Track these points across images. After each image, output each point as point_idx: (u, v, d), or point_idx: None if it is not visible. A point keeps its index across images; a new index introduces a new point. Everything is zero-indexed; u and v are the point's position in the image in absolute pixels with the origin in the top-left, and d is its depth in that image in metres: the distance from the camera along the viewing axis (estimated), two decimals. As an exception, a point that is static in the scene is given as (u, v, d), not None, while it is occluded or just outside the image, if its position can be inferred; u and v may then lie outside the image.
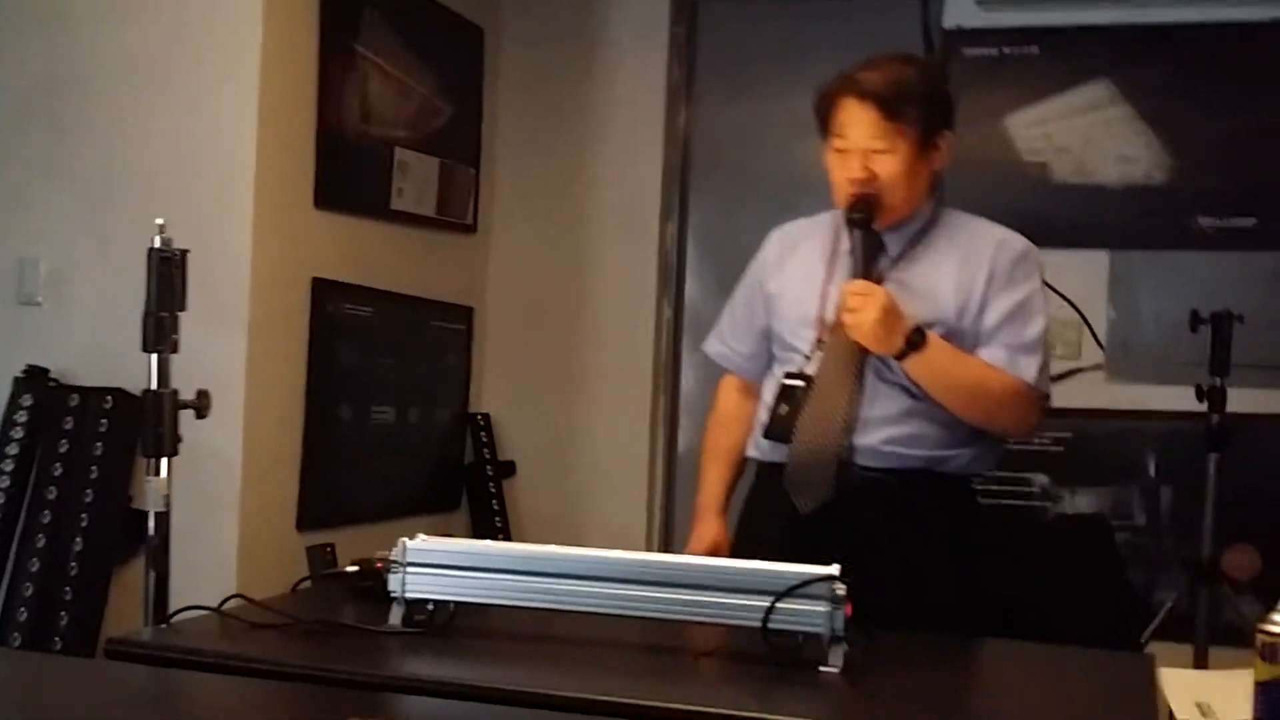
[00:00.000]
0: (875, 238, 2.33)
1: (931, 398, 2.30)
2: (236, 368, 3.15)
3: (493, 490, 4.15)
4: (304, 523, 3.38)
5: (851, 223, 2.32)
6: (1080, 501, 3.83)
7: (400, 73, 3.70)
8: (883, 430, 2.32)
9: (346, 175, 3.49)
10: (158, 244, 2.08)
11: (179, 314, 2.09)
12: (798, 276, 2.46)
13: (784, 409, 2.35)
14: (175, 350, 2.09)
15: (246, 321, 3.16)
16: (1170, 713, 1.68)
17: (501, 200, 4.25)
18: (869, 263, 2.32)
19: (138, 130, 3.22)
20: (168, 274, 2.08)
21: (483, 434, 4.18)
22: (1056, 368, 3.85)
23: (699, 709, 1.54)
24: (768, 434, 2.38)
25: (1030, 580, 3.11)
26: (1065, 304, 3.84)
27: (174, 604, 2.00)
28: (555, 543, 1.92)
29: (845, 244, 2.39)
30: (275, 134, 3.22)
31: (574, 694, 1.59)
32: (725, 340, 2.63)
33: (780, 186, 3.88)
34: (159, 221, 2.09)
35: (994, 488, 3.86)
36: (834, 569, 1.78)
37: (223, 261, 3.11)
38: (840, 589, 1.75)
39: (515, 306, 4.26)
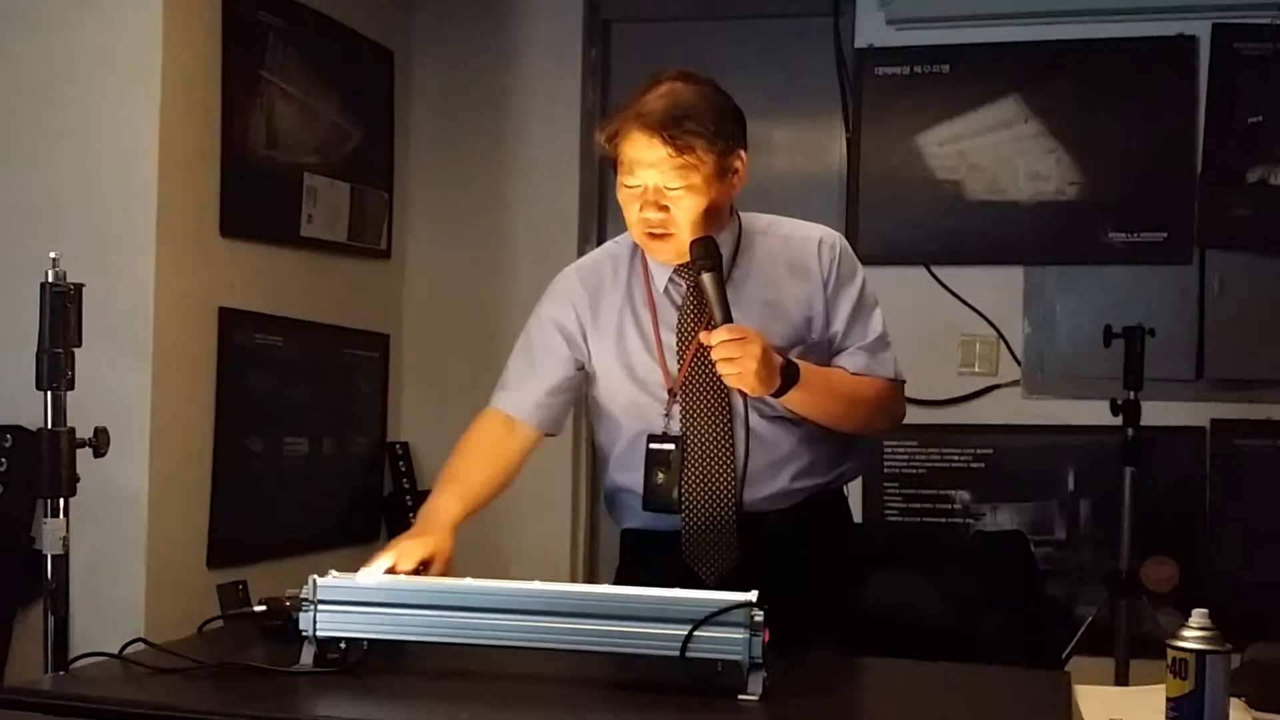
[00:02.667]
0: (723, 278, 2.13)
1: (814, 422, 2.22)
2: (140, 402, 3.07)
3: (413, 519, 4.06)
4: (215, 560, 3.30)
5: (699, 267, 2.12)
6: (1001, 517, 3.85)
7: (307, 97, 3.64)
8: (787, 468, 2.23)
9: (253, 202, 3.42)
10: (51, 278, 2.00)
11: (75, 349, 2.03)
12: (622, 328, 2.28)
13: (660, 477, 2.19)
14: (71, 387, 2.02)
15: (150, 353, 3.08)
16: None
17: (416, 225, 4.20)
18: (726, 304, 2.10)
19: (34, 158, 3.13)
20: (61, 308, 2.01)
21: (401, 463, 4.12)
22: (974, 385, 3.92)
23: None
24: (648, 506, 2.21)
25: (952, 599, 3.10)
26: (982, 320, 3.91)
27: (80, 648, 1.92)
28: (478, 572, 1.87)
29: (656, 283, 2.26)
30: (177, 160, 3.14)
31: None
32: (511, 386, 2.33)
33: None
34: (52, 255, 2.02)
35: (915, 505, 3.89)
36: (751, 595, 1.75)
37: (125, 292, 3.03)
38: (758, 616, 1.73)
39: (432, 332, 4.20)
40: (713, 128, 2.14)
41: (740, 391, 2.13)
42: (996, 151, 3.88)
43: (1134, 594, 3.55)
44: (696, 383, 2.20)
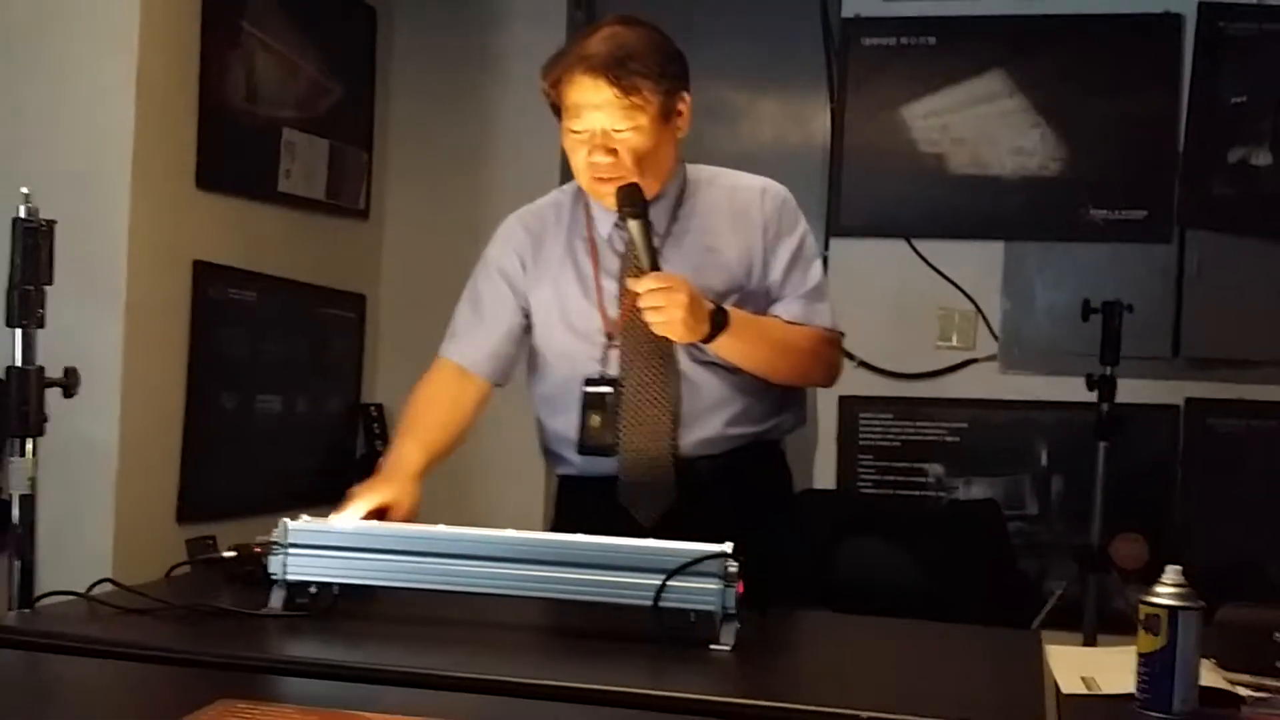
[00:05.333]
0: (650, 224, 2.13)
1: (746, 370, 2.21)
2: (112, 351, 3.03)
3: (384, 481, 4.05)
4: (184, 515, 3.27)
5: (626, 215, 2.12)
6: (974, 491, 3.86)
7: (288, 50, 3.60)
8: (719, 414, 2.22)
9: (230, 155, 3.38)
10: (23, 213, 1.97)
11: (46, 287, 1.99)
12: (561, 274, 2.27)
13: (596, 419, 2.18)
14: (41, 325, 1.98)
15: (123, 303, 3.04)
16: (1056, 686, 1.67)
17: (395, 184, 4.17)
18: (653, 252, 2.10)
19: (9, 104, 3.08)
20: (33, 245, 1.97)
21: (375, 425, 4.09)
22: (952, 358, 3.92)
23: (588, 686, 1.49)
24: (584, 449, 2.20)
25: (923, 566, 3.11)
26: (961, 294, 3.91)
27: (45, 597, 1.90)
28: (453, 533, 1.84)
29: (600, 230, 2.26)
30: (155, 110, 3.10)
31: (460, 674, 1.53)
32: (461, 337, 2.33)
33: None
34: (24, 190, 1.98)
35: (889, 478, 3.89)
36: (726, 546, 1.74)
37: (98, 241, 3.00)
38: (733, 566, 1.72)
39: (409, 293, 4.17)
40: (657, 68, 2.15)
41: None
42: (980, 125, 3.88)
43: (1104, 570, 3.56)
44: (636, 328, 2.17)
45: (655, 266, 2.09)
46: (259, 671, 1.57)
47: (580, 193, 2.29)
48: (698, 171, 2.31)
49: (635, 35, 2.16)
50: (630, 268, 2.20)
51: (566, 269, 2.27)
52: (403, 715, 1.34)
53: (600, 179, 2.16)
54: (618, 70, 2.10)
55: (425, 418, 2.29)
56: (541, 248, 2.31)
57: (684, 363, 2.20)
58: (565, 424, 2.25)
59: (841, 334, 2.33)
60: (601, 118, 2.12)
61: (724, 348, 2.15)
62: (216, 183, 3.33)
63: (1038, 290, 3.86)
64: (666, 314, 2.05)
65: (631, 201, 2.12)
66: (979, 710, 1.43)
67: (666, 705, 1.45)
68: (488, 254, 2.36)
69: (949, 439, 3.88)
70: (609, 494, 2.21)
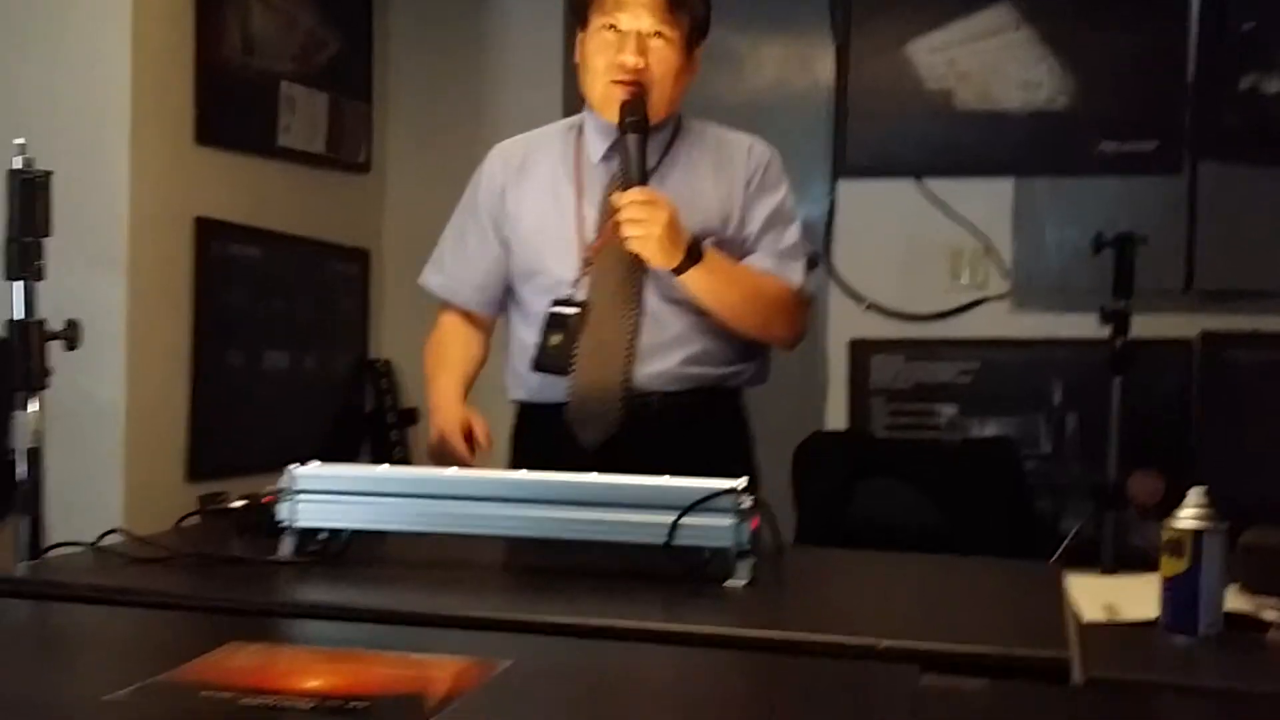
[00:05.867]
0: (646, 143, 2.16)
1: (709, 311, 2.21)
2: (117, 310, 3.02)
3: (395, 439, 4.04)
4: (194, 473, 3.26)
5: (628, 127, 2.14)
6: (988, 431, 3.83)
7: (284, 3, 3.56)
8: (678, 351, 2.22)
9: (229, 109, 3.35)
10: (19, 165, 1.94)
11: (44, 240, 1.97)
12: (542, 196, 2.29)
13: (555, 339, 2.19)
14: (40, 277, 1.96)
15: (125, 262, 3.02)
16: (1077, 615, 1.65)
17: (396, 137, 4.13)
18: (645, 168, 2.14)
19: (5, 65, 3.05)
20: (30, 197, 1.95)
21: (383, 381, 4.07)
22: (963, 298, 3.88)
23: (603, 623, 1.47)
24: (538, 366, 2.21)
25: (938, 507, 3.09)
26: (970, 233, 3.86)
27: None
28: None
29: (591, 155, 2.27)
30: (151, 65, 3.07)
31: (471, 613, 1.51)
32: (448, 270, 2.41)
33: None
34: (19, 141, 1.95)
35: (901, 420, 3.86)
36: (740, 482, 1.72)
37: (99, 199, 2.98)
38: (746, 502, 1.69)
39: (414, 248, 4.05)
40: (700, 1, 2.23)
41: (637, 268, 2.17)
42: (987, 59, 3.82)
43: (1120, 507, 3.52)
44: (611, 255, 2.20)
45: (644, 183, 2.13)
46: (268, 615, 1.55)
47: (571, 126, 2.33)
48: (692, 123, 2.35)
49: None
50: (618, 184, 2.21)
51: (549, 194, 2.29)
52: (413, 653, 1.32)
53: (620, 82, 2.17)
54: None
55: (448, 356, 2.38)
56: (529, 171, 2.33)
57: (650, 297, 2.21)
58: (530, 343, 2.26)
59: (811, 297, 2.35)
60: (645, 18, 2.16)
61: (694, 281, 2.16)
62: (216, 138, 3.30)
63: (1048, 226, 3.82)
64: (645, 228, 2.09)
65: (635, 113, 2.15)
66: (1000, 637, 1.41)
67: (680, 639, 1.43)
68: (473, 187, 2.40)
69: (961, 379, 3.85)
70: (559, 420, 2.22)
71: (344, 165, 3.90)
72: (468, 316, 2.41)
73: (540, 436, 2.28)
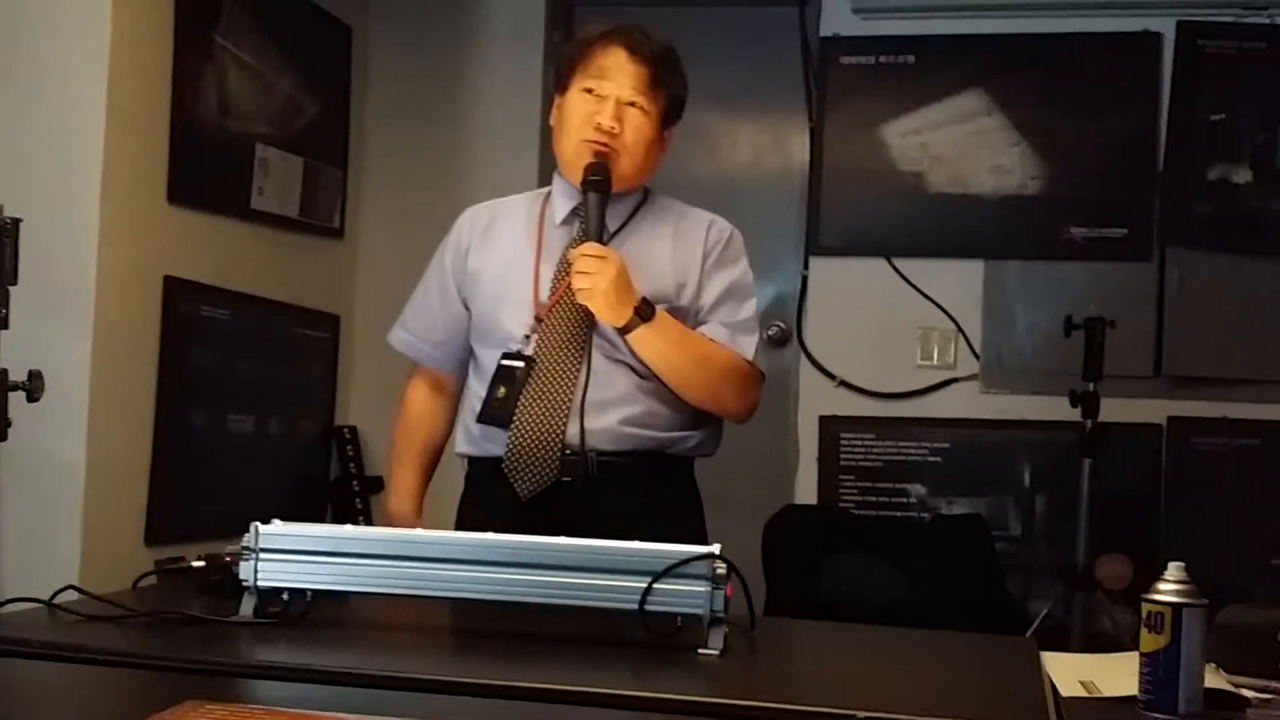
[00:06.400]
0: (606, 203, 2.21)
1: (657, 375, 2.22)
2: (80, 367, 2.96)
3: (360, 506, 3.98)
4: (152, 536, 3.19)
5: (589, 184, 2.20)
6: (957, 512, 3.80)
7: (262, 66, 3.55)
8: (618, 411, 2.21)
9: (203, 170, 3.32)
10: (-16, 212, 1.91)
11: (10, 287, 1.93)
12: (504, 255, 2.33)
13: (501, 391, 2.21)
14: (4, 325, 1.93)
15: (91, 317, 2.97)
16: (1055, 690, 1.62)
17: (370, 204, 4.12)
18: (602, 226, 2.20)
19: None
20: (-4, 242, 1.92)
21: (349, 448, 4.02)
22: (933, 378, 3.88)
23: (571, 688, 1.43)
24: (482, 417, 2.23)
25: (909, 583, 3.06)
26: (941, 313, 3.88)
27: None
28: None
29: (555, 218, 2.32)
30: (125, 121, 3.04)
31: (433, 676, 1.46)
32: (411, 329, 2.48)
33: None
34: (-13, 187, 1.93)
35: (871, 499, 3.85)
36: (716, 547, 1.69)
37: (67, 253, 2.93)
38: (720, 568, 1.66)
39: (384, 315, 4.03)
40: (679, 80, 2.31)
41: (587, 326, 2.20)
42: (960, 144, 3.86)
43: (1089, 590, 3.52)
44: (562, 314, 2.23)
45: (599, 240, 2.18)
46: (227, 675, 1.50)
47: (541, 193, 2.39)
48: (658, 197, 2.39)
49: (670, 47, 2.30)
50: (575, 239, 2.25)
51: (510, 254, 2.33)
52: (372, 716, 1.28)
53: (594, 142, 2.21)
54: (656, 62, 2.24)
55: (413, 443, 2.46)
56: (493, 231, 2.37)
57: (597, 356, 2.22)
58: (478, 401, 2.28)
59: (763, 375, 2.35)
60: (625, 86, 2.22)
61: (642, 341, 2.18)
62: (188, 198, 3.27)
63: (1018, 309, 3.84)
64: (593, 280, 2.12)
65: (598, 173, 2.20)
66: (982, 710, 1.38)
67: (653, 705, 1.40)
68: (440, 249, 2.46)
69: (931, 459, 3.84)
70: (501, 474, 2.22)
71: (317, 230, 3.88)
72: (434, 382, 2.47)
73: (485, 489, 2.29)
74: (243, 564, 1.77)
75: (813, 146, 3.98)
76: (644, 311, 2.16)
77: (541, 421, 2.20)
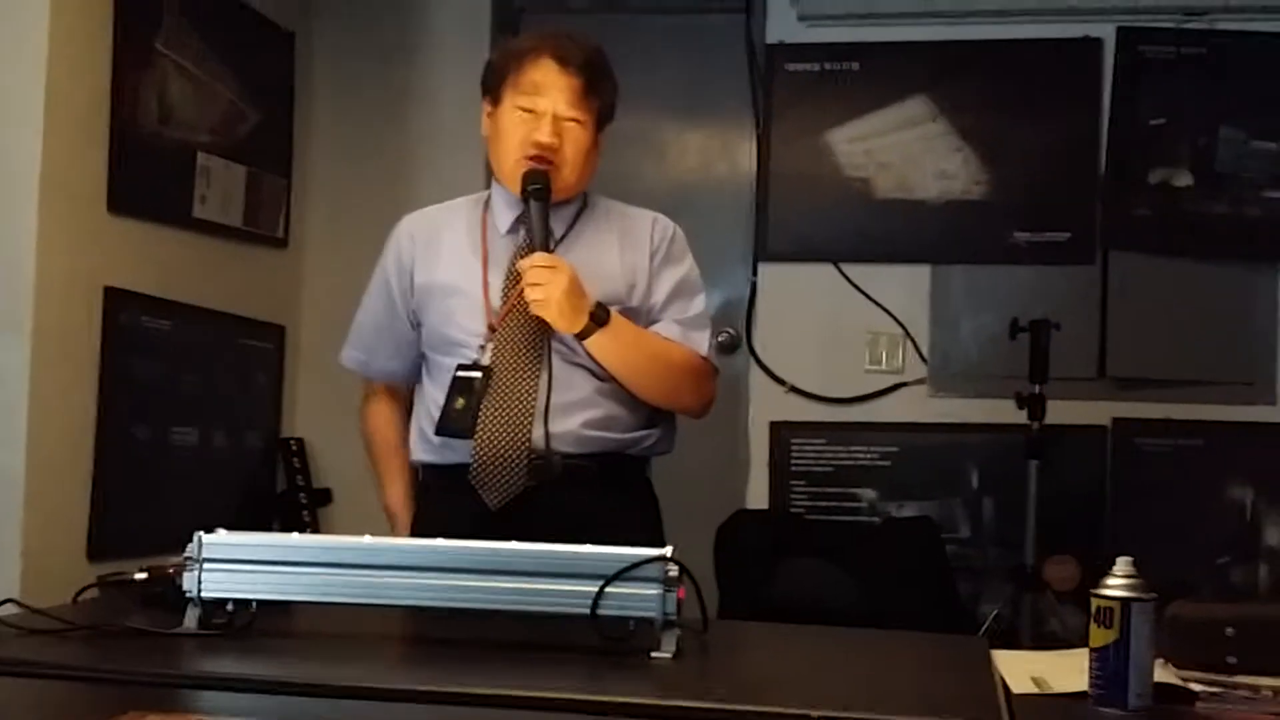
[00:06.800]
0: (549, 211, 2.23)
1: (615, 377, 2.24)
2: (19, 378, 2.91)
3: (308, 519, 3.94)
4: (95, 551, 3.14)
5: (530, 194, 2.20)
6: (907, 515, 3.82)
7: (203, 74, 3.51)
8: (579, 414, 2.22)
9: (143, 178, 3.28)
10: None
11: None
12: (450, 265, 2.33)
13: (460, 402, 2.21)
14: (-60, 335, 1.89)
15: (29, 328, 2.93)
16: (1007, 687, 1.62)
17: (315, 213, 4.08)
18: (548, 234, 2.21)
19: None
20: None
21: (295, 460, 3.98)
22: (881, 383, 3.90)
23: (523, 693, 1.41)
24: (441, 430, 2.22)
25: (861, 586, 3.06)
26: (889, 318, 3.89)
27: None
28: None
29: (498, 225, 2.32)
30: (64, 129, 3.00)
31: (381, 684, 1.44)
32: (361, 347, 2.48)
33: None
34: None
35: (822, 503, 3.85)
36: (667, 550, 1.68)
37: (5, 264, 2.91)
38: (673, 571, 1.65)
39: (331, 325, 4.00)
40: (611, 85, 2.31)
41: (542, 331, 2.19)
42: (905, 150, 3.88)
43: (1038, 590, 3.54)
44: (516, 321, 2.23)
45: (546, 248, 2.18)
46: (170, 687, 1.47)
47: (479, 199, 2.38)
48: (598, 199, 2.40)
49: (599, 50, 2.30)
50: (522, 250, 2.24)
51: (456, 264, 2.32)
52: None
53: (534, 158, 2.22)
54: (587, 70, 2.24)
55: (394, 458, 2.46)
56: (437, 241, 2.37)
57: (555, 361, 2.22)
58: (436, 408, 2.27)
59: (717, 369, 2.37)
60: (560, 102, 2.22)
61: (599, 346, 2.20)
62: (129, 207, 3.23)
63: (964, 313, 3.86)
64: (545, 291, 2.13)
65: (538, 181, 2.21)
66: (933, 707, 1.38)
67: (606, 709, 1.38)
68: (380, 264, 2.45)
69: (881, 463, 3.86)
70: (463, 482, 2.21)
71: (261, 239, 3.84)
72: (391, 394, 2.49)
73: (443, 499, 2.28)
74: (186, 575, 1.74)
75: (759, 153, 3.98)
76: (599, 316, 2.18)
77: (506, 429, 2.19)
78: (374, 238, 4.03)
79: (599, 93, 2.26)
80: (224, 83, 3.61)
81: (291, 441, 3.98)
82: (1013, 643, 3.44)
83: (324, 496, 4.01)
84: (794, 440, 3.86)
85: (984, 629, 3.43)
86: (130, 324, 3.26)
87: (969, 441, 3.81)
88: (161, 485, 3.39)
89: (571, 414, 2.22)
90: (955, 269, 3.88)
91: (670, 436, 2.37)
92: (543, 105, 2.22)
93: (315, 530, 3.92)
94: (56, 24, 2.96)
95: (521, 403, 2.20)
